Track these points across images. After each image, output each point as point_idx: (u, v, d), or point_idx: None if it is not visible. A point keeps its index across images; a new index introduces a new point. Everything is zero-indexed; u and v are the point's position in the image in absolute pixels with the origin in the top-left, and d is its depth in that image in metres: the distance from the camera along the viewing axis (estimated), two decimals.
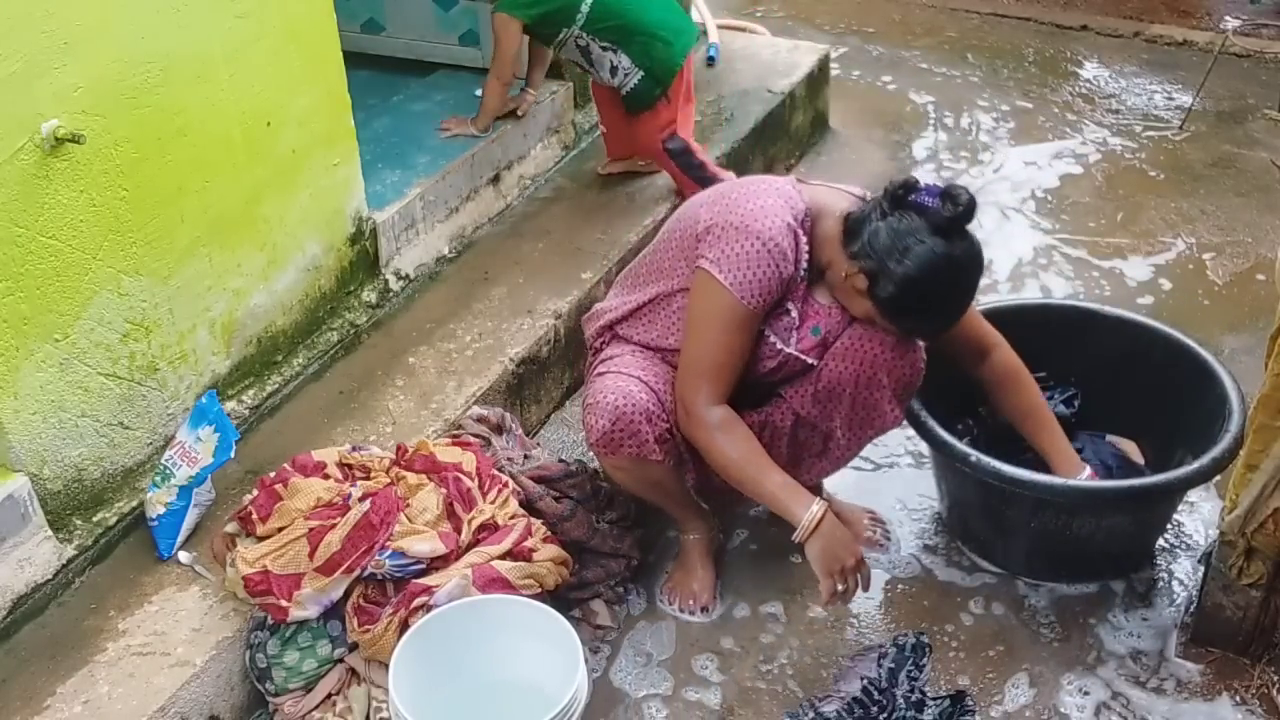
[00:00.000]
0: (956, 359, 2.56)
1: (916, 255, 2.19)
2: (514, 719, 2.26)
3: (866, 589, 2.35)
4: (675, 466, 2.47)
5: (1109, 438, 2.82)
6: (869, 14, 5.50)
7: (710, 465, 2.41)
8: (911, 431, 2.70)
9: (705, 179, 3.34)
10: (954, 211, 2.19)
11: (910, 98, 4.77)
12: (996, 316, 2.86)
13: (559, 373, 3.15)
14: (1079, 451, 2.74)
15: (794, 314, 2.36)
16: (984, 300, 3.49)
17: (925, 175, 4.25)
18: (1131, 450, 2.80)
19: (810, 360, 2.39)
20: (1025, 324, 2.88)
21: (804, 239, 2.30)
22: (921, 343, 2.44)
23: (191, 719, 2.22)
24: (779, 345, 2.37)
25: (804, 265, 2.31)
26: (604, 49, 3.30)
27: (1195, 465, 2.42)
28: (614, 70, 3.32)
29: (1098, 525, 2.55)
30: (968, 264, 2.25)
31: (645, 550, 2.69)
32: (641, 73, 3.31)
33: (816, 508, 2.27)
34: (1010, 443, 2.77)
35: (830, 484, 2.83)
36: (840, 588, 2.30)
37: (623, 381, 2.37)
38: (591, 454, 2.53)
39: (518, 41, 3.34)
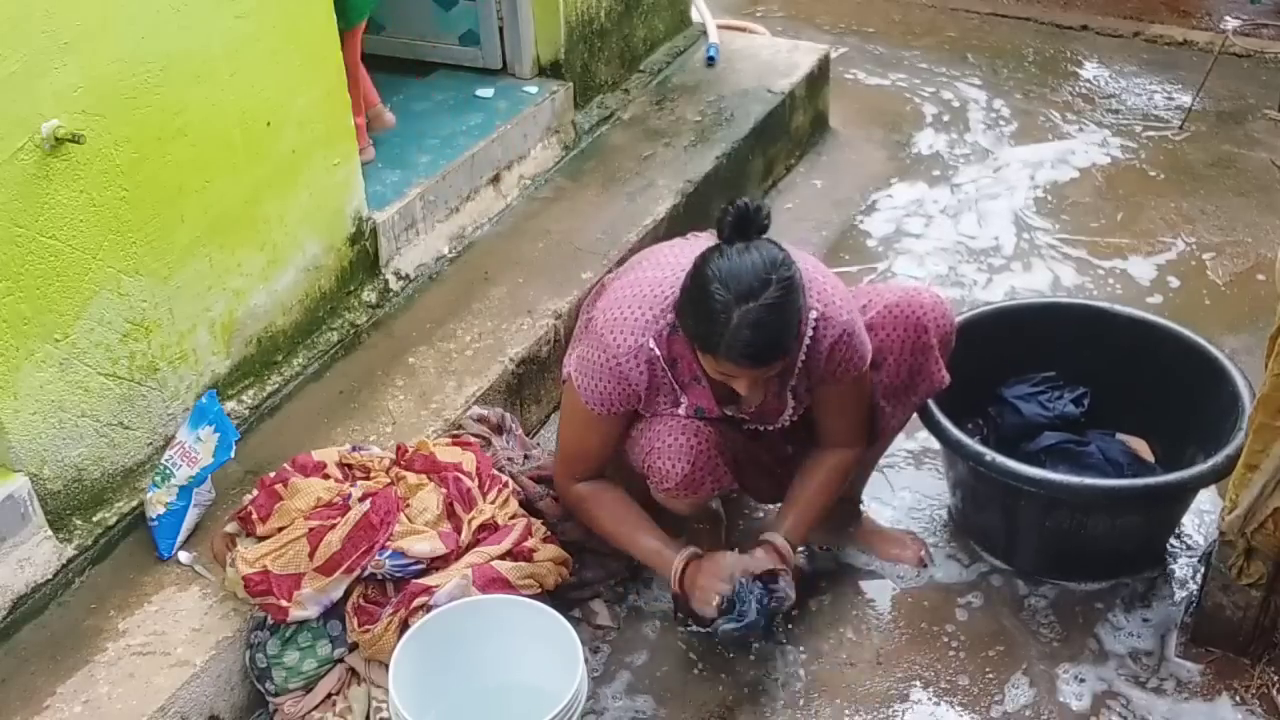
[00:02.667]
0: (814, 432, 2.47)
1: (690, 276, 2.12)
2: (514, 719, 2.26)
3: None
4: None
5: (1118, 435, 2.82)
6: (869, 14, 5.49)
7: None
8: (910, 431, 2.70)
9: None
10: (719, 228, 2.09)
11: (910, 98, 4.76)
12: (1003, 317, 2.88)
13: (559, 373, 3.13)
14: (1087, 447, 2.74)
15: (684, 404, 2.31)
16: (988, 300, 3.52)
17: (925, 175, 4.25)
18: (1141, 448, 2.81)
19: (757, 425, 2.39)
20: (1033, 323, 2.89)
21: (659, 356, 2.23)
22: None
23: (191, 719, 2.23)
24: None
25: (664, 378, 2.26)
26: None
27: (1212, 462, 2.42)
28: None
29: (1113, 524, 2.56)
30: (729, 263, 2.04)
31: None
32: None
33: (679, 561, 2.36)
34: (1021, 441, 2.78)
35: None
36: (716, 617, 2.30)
37: (685, 421, 2.30)
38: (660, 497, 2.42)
39: None
